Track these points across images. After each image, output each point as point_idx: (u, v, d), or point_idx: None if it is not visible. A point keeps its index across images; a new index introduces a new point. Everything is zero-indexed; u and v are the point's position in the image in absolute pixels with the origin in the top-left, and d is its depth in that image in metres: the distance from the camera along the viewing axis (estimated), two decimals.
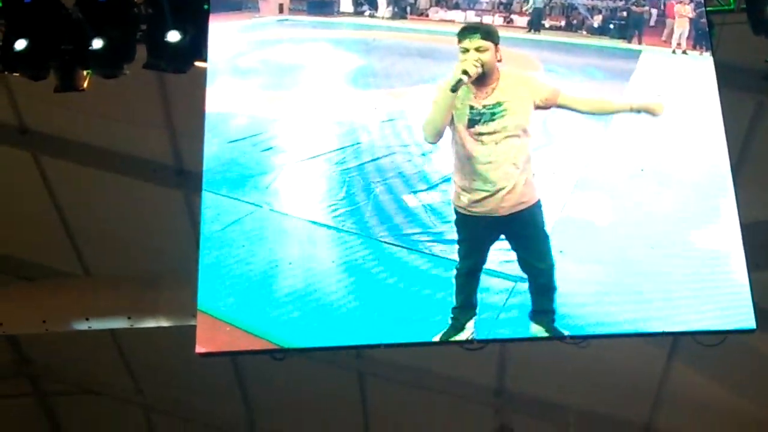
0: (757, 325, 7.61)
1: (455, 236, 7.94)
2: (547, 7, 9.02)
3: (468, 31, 7.87)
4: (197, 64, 9.19)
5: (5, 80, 11.19)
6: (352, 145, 8.57)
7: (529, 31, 8.98)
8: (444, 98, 7.74)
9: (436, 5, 9.24)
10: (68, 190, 12.91)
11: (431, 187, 8.26)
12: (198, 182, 8.50)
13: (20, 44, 9.16)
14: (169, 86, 11.32)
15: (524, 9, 9.03)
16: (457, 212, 7.87)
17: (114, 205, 12.72)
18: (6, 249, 13.64)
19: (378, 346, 8.00)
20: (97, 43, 9.11)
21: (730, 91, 8.52)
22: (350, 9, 9.32)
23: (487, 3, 9.13)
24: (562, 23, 8.94)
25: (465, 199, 7.79)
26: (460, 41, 7.73)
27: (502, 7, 9.08)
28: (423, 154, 8.38)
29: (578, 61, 8.66)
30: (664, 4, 8.79)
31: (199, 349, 7.91)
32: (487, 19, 9.05)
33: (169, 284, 11.38)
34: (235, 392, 14.73)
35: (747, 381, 12.06)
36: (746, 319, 7.61)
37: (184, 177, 12.16)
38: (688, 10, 8.70)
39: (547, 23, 8.97)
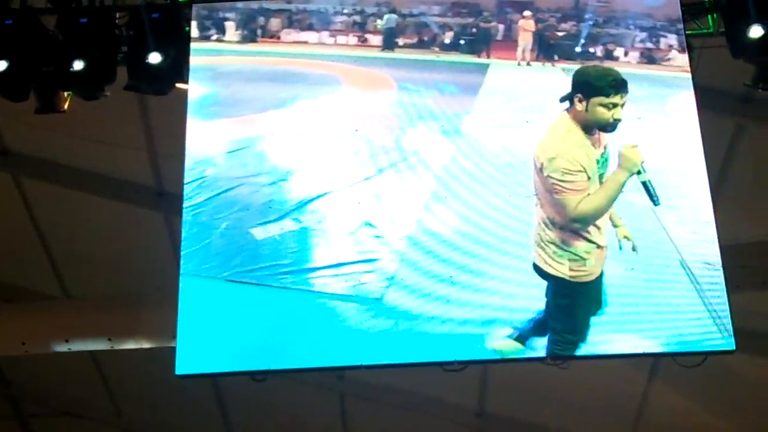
0: (736, 346, 7.64)
1: (308, 266, 7.98)
2: (401, 26, 9.05)
3: (621, 85, 7.52)
4: (178, 85, 9.17)
5: None
6: (195, 180, 8.41)
7: (383, 49, 9.01)
8: (618, 188, 7.48)
9: (289, 27, 9.15)
10: (48, 212, 12.85)
11: (282, 217, 8.19)
12: (178, 204, 8.46)
13: (0, 65, 9.13)
14: (149, 108, 11.31)
15: (377, 28, 9.06)
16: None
17: (94, 226, 12.67)
18: None
19: (359, 367, 7.95)
20: (78, 65, 9.06)
21: (709, 114, 8.57)
22: (195, 33, 9.15)
23: (341, 23, 9.12)
24: (415, 40, 9.00)
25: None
26: (611, 95, 7.45)
27: (357, 27, 9.09)
28: (273, 183, 8.30)
29: (431, 77, 8.74)
30: (510, 20, 8.91)
31: (180, 370, 7.86)
32: (341, 39, 9.06)
33: (149, 306, 11.35)
34: (215, 414, 14.67)
35: (726, 402, 12.09)
36: (725, 340, 7.64)
37: (165, 198, 12.13)
38: (531, 25, 8.85)
39: (401, 41, 9.02)
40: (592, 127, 7.48)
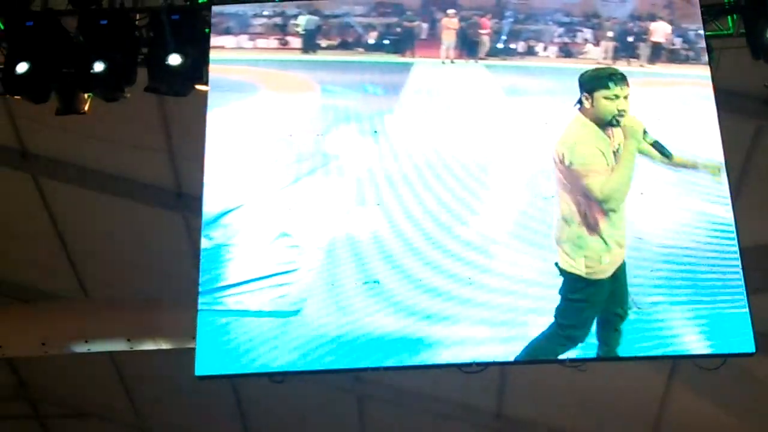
0: (756, 349, 7.61)
1: (221, 284, 7.85)
2: (324, 27, 8.91)
3: (620, 78, 7.84)
4: (198, 87, 9.18)
5: (6, 103, 11.20)
6: None
7: (305, 52, 8.85)
8: (632, 157, 7.73)
9: None
10: (68, 213, 12.91)
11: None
12: (197, 205, 8.45)
13: (22, 67, 9.15)
14: (169, 109, 11.34)
15: (297, 30, 8.89)
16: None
17: (114, 227, 12.72)
18: (6, 271, 13.63)
19: (377, 368, 7.86)
20: (98, 66, 9.09)
21: (729, 115, 8.54)
22: None
23: (261, 26, 8.93)
24: (338, 42, 8.89)
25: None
26: (612, 87, 7.74)
27: (277, 29, 8.91)
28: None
29: (355, 78, 8.65)
30: (434, 18, 8.88)
31: (199, 371, 7.82)
32: (261, 43, 8.87)
33: (168, 307, 11.38)
34: (234, 415, 14.70)
35: (746, 404, 12.04)
36: (745, 343, 7.62)
37: (184, 199, 12.15)
38: (455, 23, 8.84)
39: (323, 43, 8.87)
40: (603, 122, 7.75)
